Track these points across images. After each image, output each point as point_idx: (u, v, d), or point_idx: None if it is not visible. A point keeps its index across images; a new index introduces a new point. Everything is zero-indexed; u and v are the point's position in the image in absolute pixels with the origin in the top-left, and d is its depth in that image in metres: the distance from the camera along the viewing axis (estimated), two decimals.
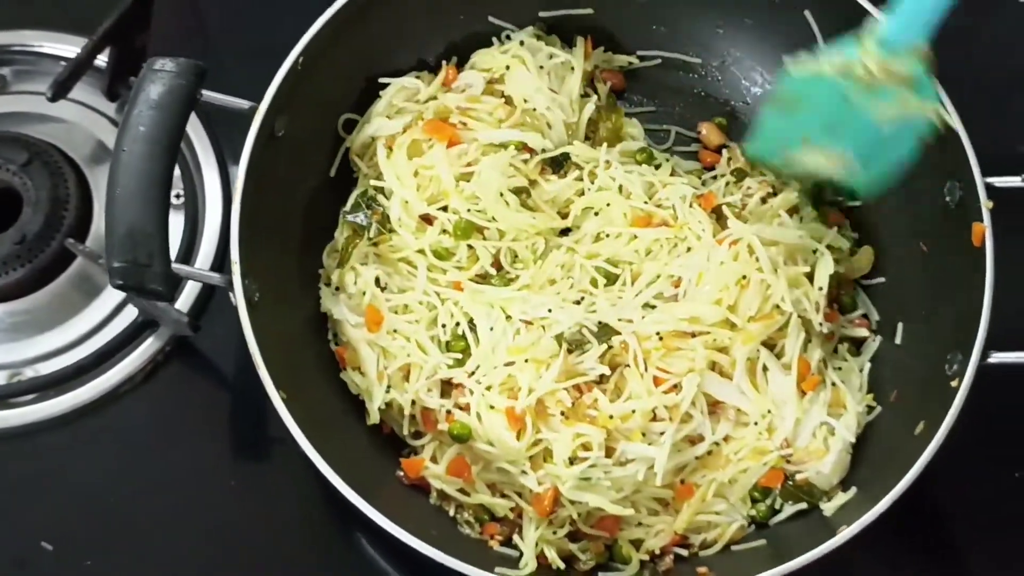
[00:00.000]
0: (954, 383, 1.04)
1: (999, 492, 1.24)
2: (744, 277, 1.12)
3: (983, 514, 1.23)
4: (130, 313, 1.27)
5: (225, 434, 1.24)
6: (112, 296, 1.28)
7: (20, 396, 1.24)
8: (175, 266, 1.06)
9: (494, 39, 1.32)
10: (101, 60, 1.31)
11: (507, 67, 1.27)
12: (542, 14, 1.33)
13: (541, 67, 1.28)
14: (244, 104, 1.12)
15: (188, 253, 1.30)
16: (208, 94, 1.10)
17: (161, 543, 1.19)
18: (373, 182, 1.23)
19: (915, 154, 1.03)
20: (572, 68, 1.30)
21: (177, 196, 1.32)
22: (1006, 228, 1.08)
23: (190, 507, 1.21)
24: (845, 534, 1.00)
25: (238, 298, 1.05)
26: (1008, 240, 1.07)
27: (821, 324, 1.15)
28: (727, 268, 1.13)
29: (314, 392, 1.14)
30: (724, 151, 1.33)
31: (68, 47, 1.38)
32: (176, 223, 1.31)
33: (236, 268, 1.06)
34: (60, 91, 1.24)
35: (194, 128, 1.35)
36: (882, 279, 1.24)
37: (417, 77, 1.28)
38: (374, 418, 1.15)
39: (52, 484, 1.21)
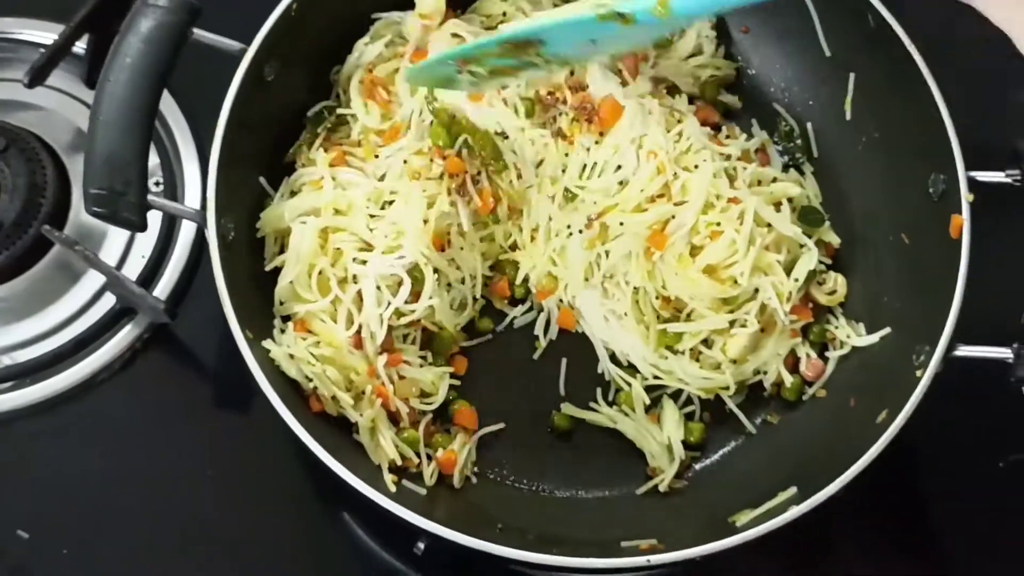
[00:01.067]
0: (919, 373, 1.04)
1: (979, 481, 1.25)
2: (718, 224, 1.14)
3: (965, 502, 1.24)
4: (108, 301, 1.26)
5: (204, 421, 1.24)
6: (90, 284, 1.28)
7: None
8: (151, 198, 1.07)
9: None
10: (79, 47, 1.29)
11: (503, 13, 1.28)
12: None
13: None
14: (235, 45, 1.12)
15: (167, 240, 1.30)
16: (199, 32, 1.11)
17: (139, 531, 1.19)
18: (340, 109, 1.24)
19: None
20: None
21: (156, 184, 1.32)
22: (988, 223, 1.09)
23: (168, 494, 1.20)
24: (795, 511, 1.00)
25: (211, 235, 1.06)
26: (988, 234, 1.08)
27: (786, 315, 1.16)
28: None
29: None
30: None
31: (46, 34, 1.37)
32: (154, 213, 1.30)
33: (211, 205, 1.07)
34: (37, 77, 1.23)
35: (173, 117, 1.35)
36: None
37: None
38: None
39: (29, 472, 1.21)
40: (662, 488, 1.17)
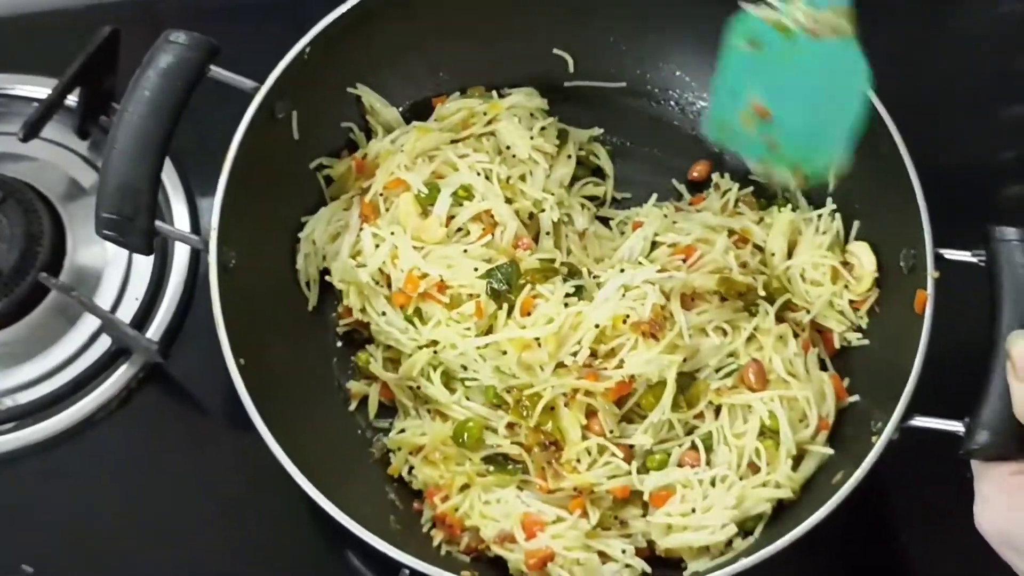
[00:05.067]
0: (874, 439, 1.07)
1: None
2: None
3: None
4: (104, 343, 1.31)
5: (200, 457, 1.27)
6: (86, 327, 1.32)
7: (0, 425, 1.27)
8: (158, 224, 1.12)
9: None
10: (71, 100, 1.35)
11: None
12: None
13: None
14: (248, 84, 1.17)
15: (159, 284, 1.34)
16: (215, 70, 1.15)
17: (139, 564, 1.22)
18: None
19: (859, 120, 1.03)
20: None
21: None
22: (950, 299, 1.11)
23: (167, 529, 1.24)
24: (743, 563, 1.03)
25: (211, 261, 1.11)
26: (950, 311, 1.11)
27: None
28: None
29: (277, 364, 1.18)
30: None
31: (39, 88, 1.41)
32: (145, 260, 1.35)
33: (214, 233, 1.12)
34: (32, 131, 1.28)
35: (167, 174, 1.39)
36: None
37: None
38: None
39: (32, 508, 1.24)
40: None
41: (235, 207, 1.14)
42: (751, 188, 1.34)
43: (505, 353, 1.15)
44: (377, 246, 1.22)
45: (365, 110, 1.34)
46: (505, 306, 1.18)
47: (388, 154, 1.28)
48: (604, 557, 1.12)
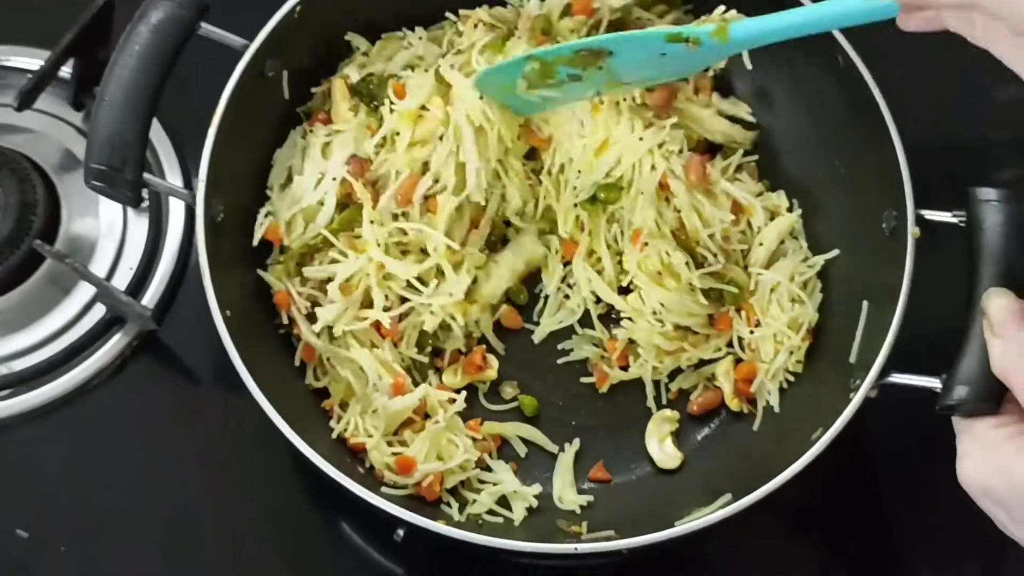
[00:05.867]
0: (852, 395, 1.09)
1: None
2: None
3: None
4: (98, 311, 1.32)
5: (192, 423, 1.29)
6: (81, 296, 1.33)
7: None
8: (147, 176, 1.13)
9: None
10: (65, 72, 1.36)
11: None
12: None
13: None
14: (238, 41, 1.19)
15: (153, 253, 1.36)
16: (206, 27, 1.17)
17: (133, 529, 1.24)
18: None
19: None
20: None
21: None
22: (932, 261, 1.13)
23: (160, 494, 1.25)
24: (718, 514, 1.06)
25: (199, 213, 1.12)
26: (929, 271, 1.13)
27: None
28: None
29: (258, 319, 1.21)
30: None
31: (33, 60, 1.42)
32: (140, 225, 1.37)
33: (202, 186, 1.13)
34: (26, 101, 1.30)
35: (157, 137, 1.39)
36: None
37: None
38: None
39: (27, 474, 1.26)
40: None
41: (223, 162, 1.15)
42: (756, 157, 1.35)
43: None
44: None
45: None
46: None
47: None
48: None
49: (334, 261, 1.21)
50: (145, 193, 1.35)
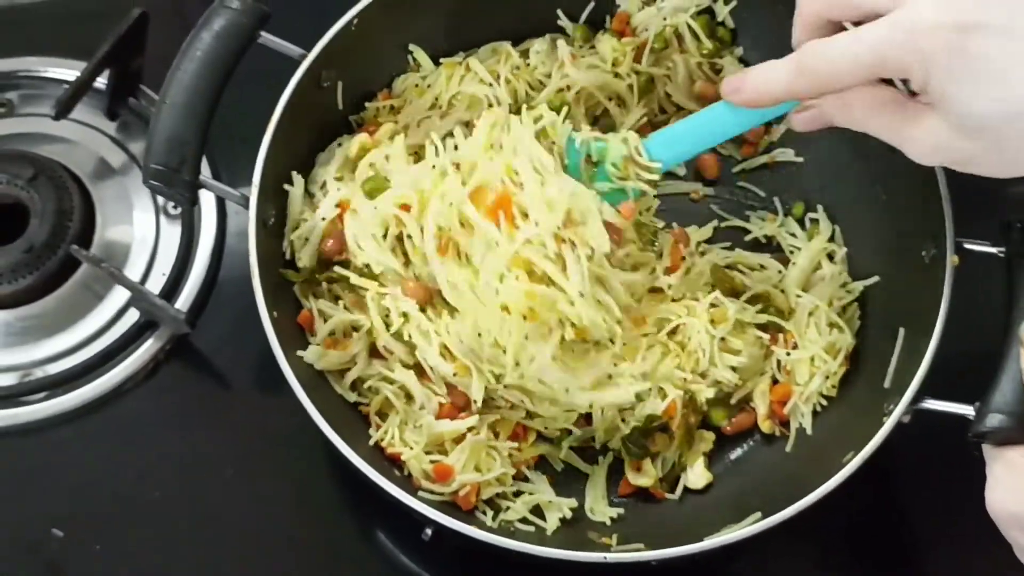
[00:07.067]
0: (885, 419, 1.09)
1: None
2: None
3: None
4: (132, 316, 1.34)
5: (225, 425, 1.31)
6: (115, 300, 1.35)
7: (31, 395, 1.31)
8: (203, 178, 1.16)
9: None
10: (101, 82, 1.39)
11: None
12: None
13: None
14: (296, 51, 1.21)
15: (185, 258, 1.38)
16: (265, 36, 1.19)
17: (167, 528, 1.25)
18: None
19: None
20: None
21: (174, 207, 1.41)
22: (969, 288, 1.12)
23: (192, 494, 1.27)
24: (746, 531, 1.06)
25: (251, 216, 1.14)
26: (968, 301, 1.12)
27: None
28: None
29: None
30: None
31: (69, 71, 1.45)
32: (173, 232, 1.40)
33: (255, 189, 1.15)
34: (63, 110, 1.32)
35: (213, 140, 1.39)
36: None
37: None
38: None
39: (61, 475, 1.27)
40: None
41: (276, 167, 1.18)
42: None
43: None
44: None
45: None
46: None
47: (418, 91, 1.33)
48: None
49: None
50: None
